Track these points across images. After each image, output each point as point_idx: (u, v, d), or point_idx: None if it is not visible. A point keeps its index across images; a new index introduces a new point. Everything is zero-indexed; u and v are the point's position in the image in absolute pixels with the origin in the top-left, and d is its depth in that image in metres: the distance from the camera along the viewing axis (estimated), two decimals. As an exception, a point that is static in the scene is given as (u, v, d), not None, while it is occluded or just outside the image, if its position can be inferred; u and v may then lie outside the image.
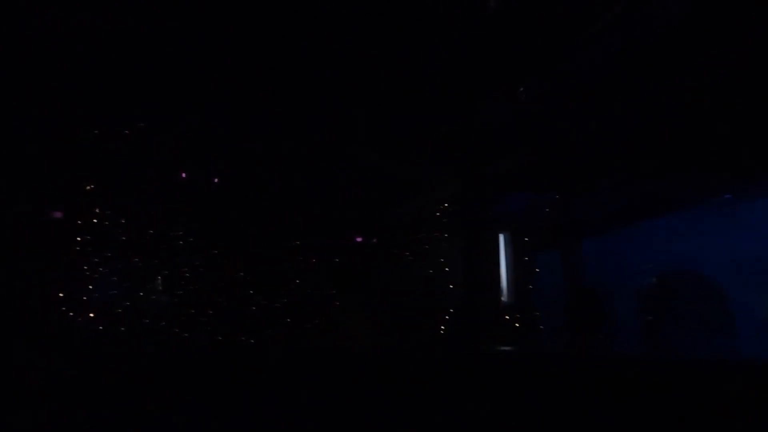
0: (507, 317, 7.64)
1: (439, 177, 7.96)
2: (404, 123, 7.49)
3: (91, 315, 6.88)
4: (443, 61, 6.69)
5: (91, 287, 6.98)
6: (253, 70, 6.85)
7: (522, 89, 6.96)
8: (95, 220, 7.12)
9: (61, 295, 6.82)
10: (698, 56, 5.29)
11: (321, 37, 6.36)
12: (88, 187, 7.17)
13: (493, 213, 7.87)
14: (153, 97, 7.02)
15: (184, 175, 7.55)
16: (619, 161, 7.27)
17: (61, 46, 6.15)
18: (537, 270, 7.88)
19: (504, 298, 7.82)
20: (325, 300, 7.73)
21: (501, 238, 8.02)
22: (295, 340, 7.50)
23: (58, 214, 7.00)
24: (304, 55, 6.65)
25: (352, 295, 7.79)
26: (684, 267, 8.04)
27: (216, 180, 7.67)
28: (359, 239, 7.96)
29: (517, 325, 7.57)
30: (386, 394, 6.09)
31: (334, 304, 7.71)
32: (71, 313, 6.80)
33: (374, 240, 7.95)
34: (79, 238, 7.02)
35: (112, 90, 6.88)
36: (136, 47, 6.32)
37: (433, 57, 6.64)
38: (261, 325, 7.44)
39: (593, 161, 7.42)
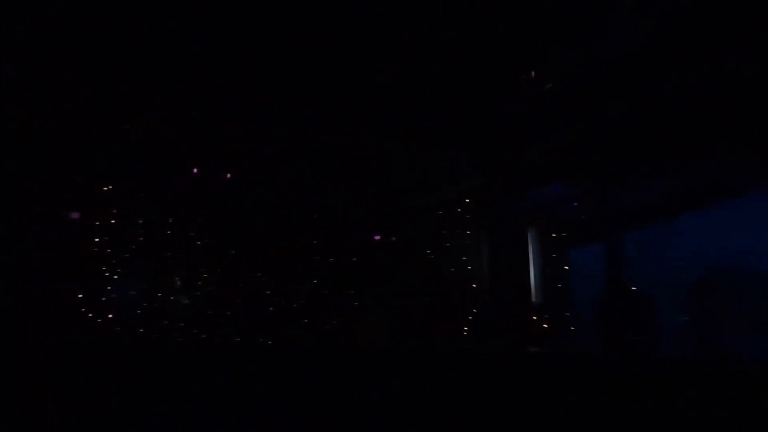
0: (535, 318, 7.17)
1: (462, 169, 7.53)
2: (424, 112, 7.09)
3: (110, 316, 6.85)
4: (465, 43, 6.26)
5: (107, 288, 6.95)
6: (266, 64, 6.63)
7: (552, 68, 6.47)
8: (112, 221, 7.09)
9: (79, 295, 6.80)
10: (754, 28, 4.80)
11: (336, 25, 6.06)
12: (104, 188, 7.13)
13: (521, 206, 7.40)
14: (167, 97, 6.92)
15: (196, 174, 7.39)
16: (663, 145, 6.68)
17: (69, 43, 6.09)
18: (566, 268, 7.33)
19: (533, 298, 7.36)
20: (343, 300, 7.48)
21: (530, 233, 7.56)
22: (312, 341, 7.28)
23: (74, 215, 6.99)
24: (315, 46, 6.36)
25: (370, 295, 7.51)
26: (735, 263, 7.34)
27: (230, 179, 7.48)
28: (377, 237, 7.65)
29: (545, 326, 7.09)
30: (403, 395, 5.92)
31: (351, 305, 7.45)
32: (89, 314, 6.78)
33: (393, 238, 7.62)
34: (94, 239, 6.99)
35: (128, 89, 6.81)
36: (148, 47, 6.21)
37: (454, 39, 6.21)
38: (278, 325, 7.26)
39: (632, 146, 6.84)
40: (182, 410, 5.77)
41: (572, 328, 7.11)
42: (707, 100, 5.81)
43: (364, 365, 6.72)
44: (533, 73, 6.65)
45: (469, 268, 7.43)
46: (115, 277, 6.93)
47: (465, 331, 7.18)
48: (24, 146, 6.83)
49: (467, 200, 7.71)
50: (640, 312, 7.06)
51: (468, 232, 7.57)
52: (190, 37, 6.13)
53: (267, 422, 5.52)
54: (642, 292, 7.20)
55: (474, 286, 7.31)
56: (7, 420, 5.34)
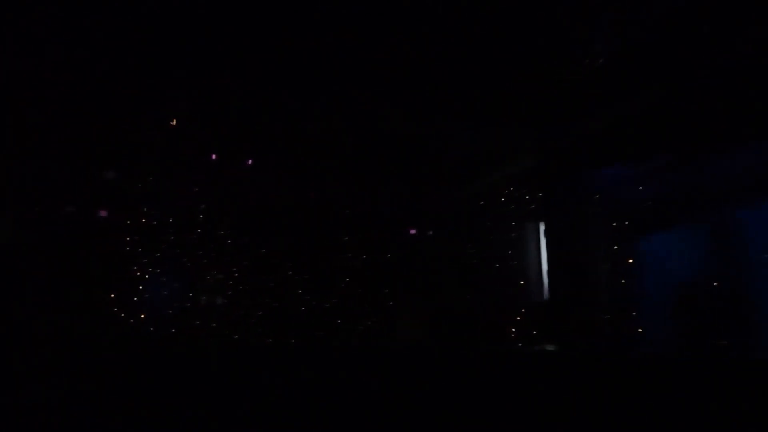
0: (601, 316, 6.26)
1: (511, 147, 6.57)
2: (465, 84, 6.14)
3: (142, 316, 6.79)
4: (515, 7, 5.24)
5: (138, 288, 6.88)
6: (290, 51, 6.01)
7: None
8: (143, 220, 6.97)
9: (111, 295, 6.76)
10: None
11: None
12: (134, 187, 6.99)
13: (582, 188, 6.40)
14: (192, 93, 6.53)
15: (224, 169, 7.03)
16: (751, 111, 5.41)
17: (88, 41, 5.81)
18: (633, 261, 6.28)
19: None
20: (378, 299, 6.97)
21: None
22: (345, 342, 6.90)
23: (102, 213, 6.90)
24: (340, 26, 5.63)
25: (408, 294, 6.93)
26: None
27: (262, 177, 7.06)
28: (413, 231, 6.97)
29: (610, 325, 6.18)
30: (441, 397, 5.57)
31: (387, 304, 6.92)
32: (122, 315, 6.75)
33: (430, 232, 6.91)
34: (126, 239, 6.89)
35: (154, 86, 6.50)
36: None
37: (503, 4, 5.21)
38: (310, 326, 6.92)
39: (715, 115, 5.59)
40: (215, 409, 5.69)
41: (639, 330, 6.13)
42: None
43: (399, 366, 6.30)
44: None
45: (515, 263, 6.59)
46: (147, 277, 6.84)
47: (513, 332, 6.43)
48: (55, 147, 6.74)
49: (513, 187, 6.79)
50: (731, 307, 5.99)
51: (514, 223, 6.69)
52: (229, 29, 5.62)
53: (298, 421, 5.34)
54: (734, 284, 6.10)
55: (522, 283, 6.48)
56: (39, 417, 5.45)
